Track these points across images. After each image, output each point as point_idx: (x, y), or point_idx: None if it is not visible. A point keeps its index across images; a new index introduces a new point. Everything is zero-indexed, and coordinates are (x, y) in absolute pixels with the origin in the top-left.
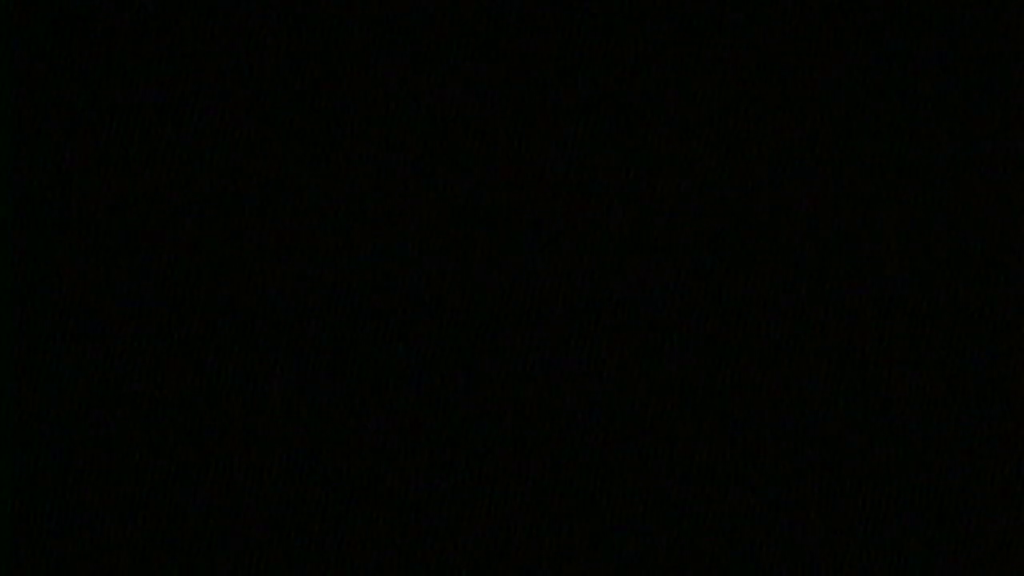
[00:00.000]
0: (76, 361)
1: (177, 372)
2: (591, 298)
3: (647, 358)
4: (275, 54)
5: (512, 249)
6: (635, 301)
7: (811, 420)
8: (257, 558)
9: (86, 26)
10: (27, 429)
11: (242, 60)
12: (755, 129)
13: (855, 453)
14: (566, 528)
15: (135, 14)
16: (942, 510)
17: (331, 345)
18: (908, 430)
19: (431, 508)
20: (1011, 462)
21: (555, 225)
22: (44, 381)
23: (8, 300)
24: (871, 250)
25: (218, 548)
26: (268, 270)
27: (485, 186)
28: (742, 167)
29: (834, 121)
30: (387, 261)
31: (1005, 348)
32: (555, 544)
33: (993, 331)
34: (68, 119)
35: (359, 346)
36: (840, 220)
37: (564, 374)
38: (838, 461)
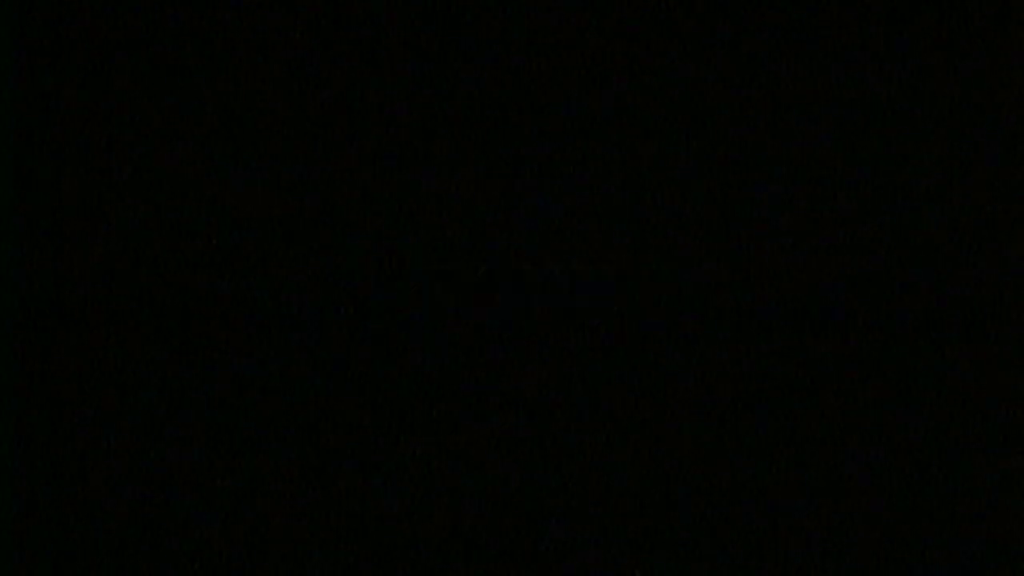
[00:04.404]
0: (76, 360)
1: (177, 372)
2: (589, 296)
3: (646, 357)
4: (275, 53)
5: (511, 248)
6: (632, 300)
7: (811, 419)
8: (257, 558)
9: (87, 26)
10: (27, 429)
11: (242, 59)
12: (754, 128)
13: (854, 453)
14: (566, 528)
15: (135, 14)
16: (941, 510)
17: (332, 344)
18: (907, 429)
19: (431, 507)
20: (1011, 462)
21: (554, 224)
22: (45, 380)
23: (8, 300)
24: (871, 250)
25: (219, 548)
26: (268, 269)
27: (484, 184)
28: (740, 167)
29: (833, 121)
30: (390, 258)
31: (1005, 348)
32: (555, 544)
33: (992, 331)
34: (68, 118)
35: (359, 345)
36: (839, 218)
37: (563, 374)
38: (837, 460)
